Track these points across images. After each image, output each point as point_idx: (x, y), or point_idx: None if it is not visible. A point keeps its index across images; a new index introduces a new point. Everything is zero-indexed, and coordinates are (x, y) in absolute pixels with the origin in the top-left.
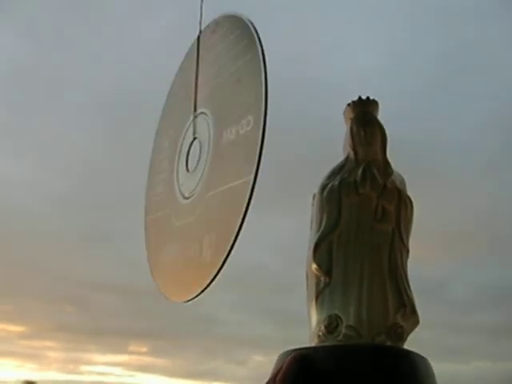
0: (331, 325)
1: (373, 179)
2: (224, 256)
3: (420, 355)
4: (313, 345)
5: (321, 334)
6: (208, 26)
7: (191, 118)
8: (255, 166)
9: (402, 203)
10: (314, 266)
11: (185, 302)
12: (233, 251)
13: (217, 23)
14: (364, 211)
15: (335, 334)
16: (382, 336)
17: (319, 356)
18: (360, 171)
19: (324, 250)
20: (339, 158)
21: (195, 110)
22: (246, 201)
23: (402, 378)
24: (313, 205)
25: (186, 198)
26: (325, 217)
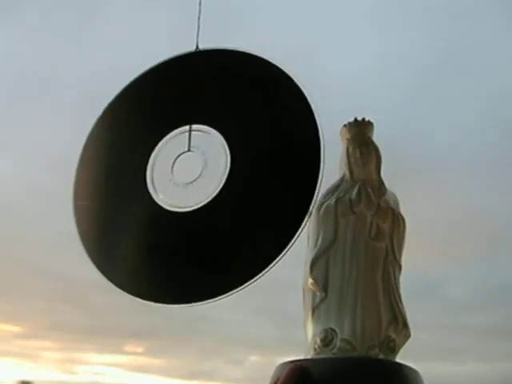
0: (327, 338)
1: (367, 198)
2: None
3: (411, 368)
4: (309, 357)
5: (317, 346)
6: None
7: (184, 128)
8: None
9: (395, 221)
10: (311, 281)
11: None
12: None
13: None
14: (359, 229)
15: (330, 347)
16: (376, 349)
17: (316, 367)
18: (355, 190)
19: (320, 266)
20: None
21: (190, 122)
22: None
23: None
24: (309, 222)
25: (179, 207)
26: (321, 234)
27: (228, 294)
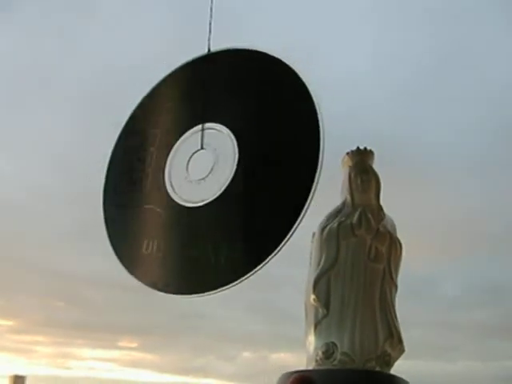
0: (328, 351)
1: (367, 223)
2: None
3: (404, 379)
4: (311, 368)
5: (318, 358)
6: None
7: (197, 128)
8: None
9: (393, 245)
10: (313, 297)
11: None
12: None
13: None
14: (359, 251)
15: (331, 360)
16: (373, 362)
17: (318, 378)
18: (356, 215)
19: (323, 285)
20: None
21: (203, 122)
22: None
23: None
24: (312, 242)
25: (192, 202)
26: (324, 255)
27: (225, 287)
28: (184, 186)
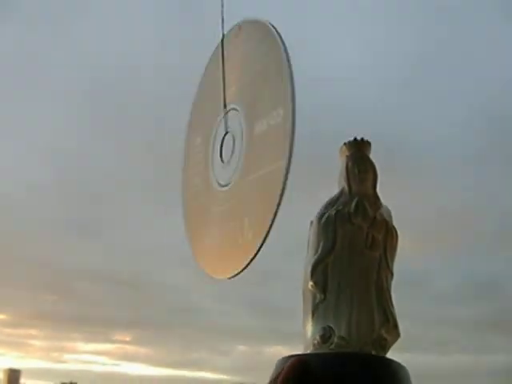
0: (325, 335)
1: (364, 212)
2: (264, 235)
3: (400, 364)
4: (308, 352)
5: (316, 342)
6: (232, 30)
7: (222, 114)
8: (288, 151)
9: (389, 233)
10: (311, 283)
11: (229, 278)
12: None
13: (239, 28)
14: (356, 239)
15: (328, 344)
16: (369, 346)
17: (315, 361)
18: (353, 204)
19: (320, 271)
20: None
21: (225, 106)
22: (282, 184)
23: (385, 382)
24: (310, 230)
25: (223, 186)
26: (321, 242)
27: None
28: (221, 173)
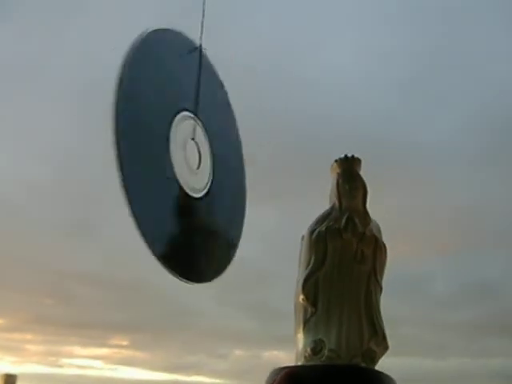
0: (316, 348)
1: (354, 227)
2: None
3: (388, 375)
4: (300, 363)
5: (307, 354)
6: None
7: (184, 121)
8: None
9: (378, 248)
10: (302, 297)
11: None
12: None
13: None
14: (346, 254)
15: (319, 356)
16: (358, 358)
17: (306, 373)
18: (344, 220)
19: (311, 285)
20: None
21: (196, 114)
22: None
23: None
24: (301, 245)
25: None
26: (312, 257)
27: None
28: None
